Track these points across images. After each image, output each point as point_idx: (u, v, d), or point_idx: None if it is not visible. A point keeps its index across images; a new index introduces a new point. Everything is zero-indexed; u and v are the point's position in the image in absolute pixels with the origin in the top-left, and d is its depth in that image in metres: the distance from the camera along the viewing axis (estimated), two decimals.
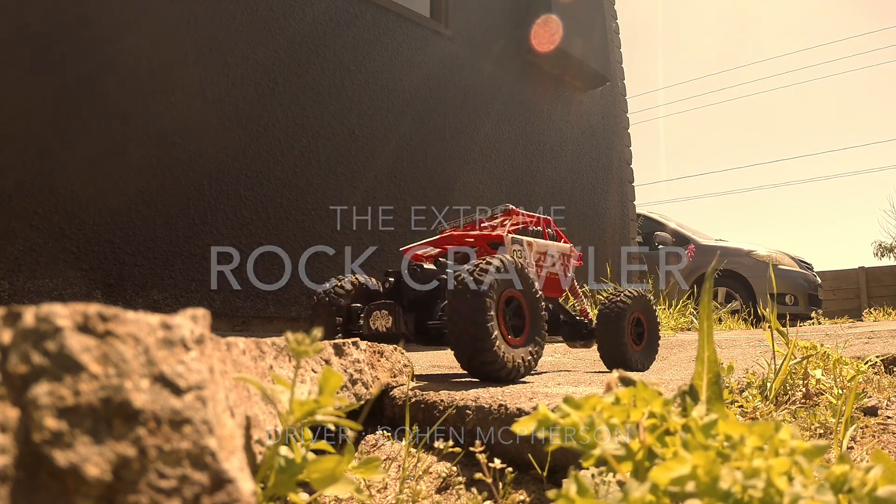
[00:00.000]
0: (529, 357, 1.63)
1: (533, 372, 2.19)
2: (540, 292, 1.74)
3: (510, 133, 6.05)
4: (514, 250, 1.96)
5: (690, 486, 0.41)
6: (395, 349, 1.56)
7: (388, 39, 5.06)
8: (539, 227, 2.26)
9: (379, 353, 1.47)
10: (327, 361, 1.26)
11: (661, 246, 8.61)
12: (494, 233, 1.99)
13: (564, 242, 2.28)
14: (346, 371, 1.29)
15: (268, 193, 4.17)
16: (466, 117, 5.63)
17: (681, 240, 8.48)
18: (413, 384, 1.55)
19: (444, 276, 1.79)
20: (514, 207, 2.16)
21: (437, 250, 2.06)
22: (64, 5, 3.39)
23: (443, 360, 2.70)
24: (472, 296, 1.49)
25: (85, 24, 3.45)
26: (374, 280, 2.03)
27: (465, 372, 2.12)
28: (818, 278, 8.73)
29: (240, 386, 0.77)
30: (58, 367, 0.48)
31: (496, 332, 1.51)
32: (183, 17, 3.85)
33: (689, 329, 5.10)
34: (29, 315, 0.49)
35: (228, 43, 4.04)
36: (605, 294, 2.24)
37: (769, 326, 1.55)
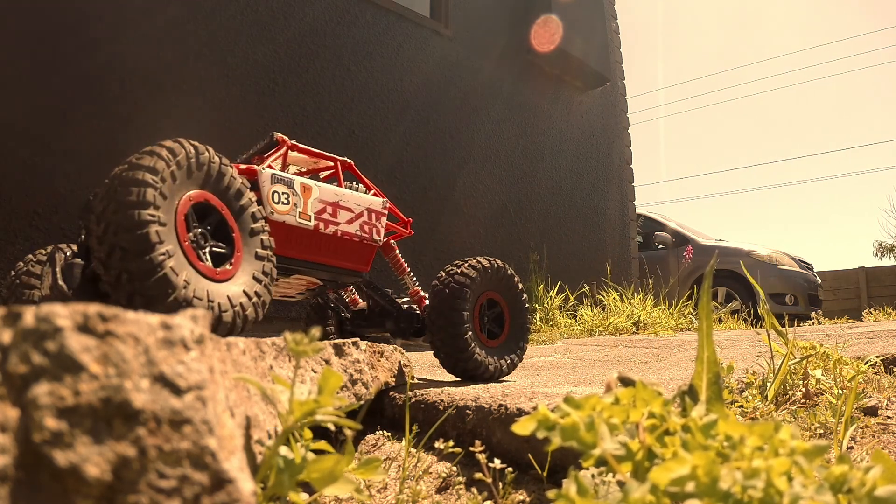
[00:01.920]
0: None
1: (535, 371, 2.19)
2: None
3: (510, 133, 6.05)
4: (275, 192, 1.41)
5: (690, 487, 0.41)
6: (395, 349, 1.56)
7: (388, 39, 5.06)
8: (335, 175, 1.71)
9: (379, 353, 1.47)
10: (327, 361, 1.26)
11: (661, 246, 8.61)
12: (250, 167, 1.44)
13: (375, 195, 1.72)
14: (346, 371, 1.29)
15: None
16: (466, 117, 5.63)
17: (681, 240, 8.48)
18: (413, 384, 1.55)
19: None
20: (285, 138, 1.64)
21: None
22: (64, 5, 3.39)
23: None
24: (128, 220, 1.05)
25: (85, 24, 3.45)
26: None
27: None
28: (818, 278, 8.73)
29: (240, 386, 0.77)
30: (58, 367, 0.48)
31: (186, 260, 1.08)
32: (183, 17, 3.85)
33: (688, 329, 5.10)
34: (29, 315, 0.49)
35: (228, 43, 4.04)
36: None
37: (769, 326, 1.55)
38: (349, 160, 1.78)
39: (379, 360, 1.46)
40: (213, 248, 1.21)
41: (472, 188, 5.60)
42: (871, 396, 1.48)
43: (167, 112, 3.73)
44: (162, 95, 3.72)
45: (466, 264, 1.62)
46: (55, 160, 3.31)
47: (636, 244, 7.57)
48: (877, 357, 1.90)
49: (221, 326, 1.15)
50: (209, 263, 1.18)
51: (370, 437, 1.41)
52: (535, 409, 0.52)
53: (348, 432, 1.18)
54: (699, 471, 0.41)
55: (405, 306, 1.82)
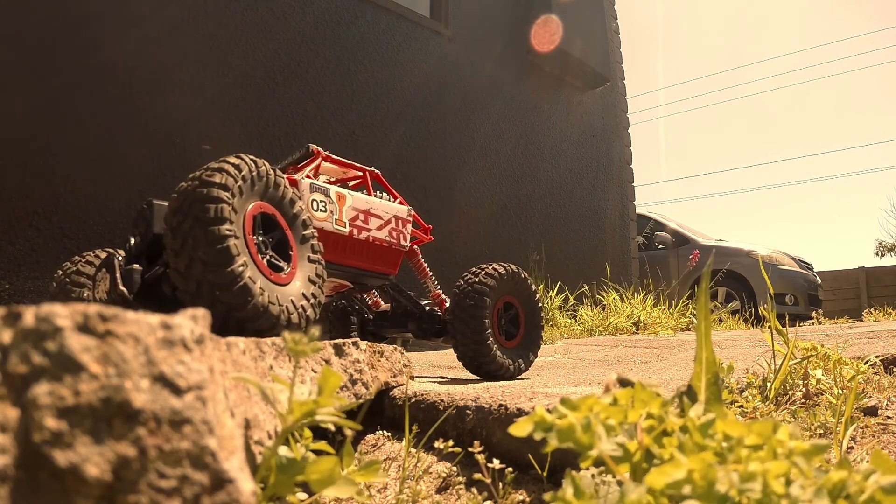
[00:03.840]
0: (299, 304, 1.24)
1: (535, 371, 2.19)
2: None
3: (510, 133, 6.05)
4: (313, 200, 1.49)
5: (686, 490, 0.41)
6: (395, 349, 1.56)
7: (388, 39, 5.06)
8: (363, 183, 1.81)
9: (379, 353, 1.47)
10: (327, 361, 1.26)
11: (661, 246, 8.61)
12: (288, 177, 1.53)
13: (401, 204, 1.82)
14: (346, 371, 1.29)
15: None
16: (466, 117, 5.63)
17: (681, 240, 8.48)
18: (413, 384, 1.55)
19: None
20: (320, 149, 1.73)
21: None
22: (64, 5, 3.39)
23: (443, 361, 2.70)
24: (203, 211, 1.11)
25: (85, 24, 3.45)
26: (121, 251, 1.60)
27: (465, 372, 2.13)
28: (818, 278, 8.73)
29: (240, 386, 0.77)
30: (58, 367, 0.48)
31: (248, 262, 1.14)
32: (183, 17, 3.85)
33: (689, 329, 5.10)
34: (29, 315, 0.49)
35: (228, 43, 4.04)
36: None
37: (769, 326, 1.55)
38: (377, 170, 1.84)
39: (379, 360, 1.46)
40: (273, 256, 1.27)
41: (472, 188, 5.59)
42: (871, 396, 1.48)
43: (167, 112, 3.73)
44: (162, 95, 3.72)
45: (484, 272, 1.69)
46: (55, 160, 3.31)
47: (636, 244, 7.57)
48: (877, 357, 1.90)
49: (290, 326, 1.21)
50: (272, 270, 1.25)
51: (370, 437, 1.41)
52: (534, 408, 0.52)
53: (348, 432, 1.18)
54: (695, 474, 0.41)
55: (427, 308, 1.89)
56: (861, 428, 1.33)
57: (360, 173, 1.82)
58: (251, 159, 1.26)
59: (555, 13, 6.11)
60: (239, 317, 1.11)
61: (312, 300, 1.28)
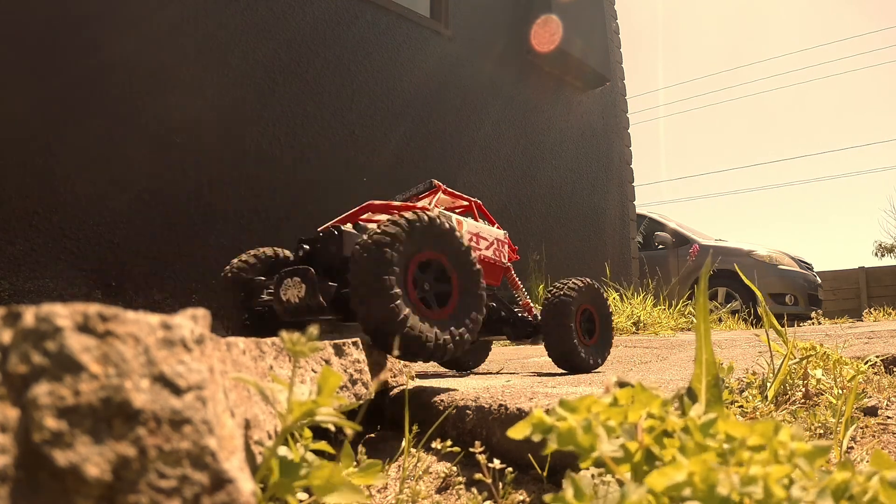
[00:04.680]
0: (449, 336, 1.41)
1: (535, 371, 2.18)
2: (476, 259, 1.50)
3: (510, 133, 6.05)
4: None
5: (687, 493, 0.41)
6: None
7: (388, 39, 5.06)
8: (469, 210, 2.08)
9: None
10: (327, 361, 1.26)
11: (661, 246, 8.61)
12: (418, 205, 1.83)
13: (498, 228, 2.10)
14: (345, 371, 1.29)
15: (268, 193, 4.17)
16: (466, 117, 5.63)
17: (681, 240, 8.48)
18: (413, 384, 1.55)
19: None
20: (440, 184, 1.99)
21: (355, 218, 1.87)
22: (64, 5, 3.39)
23: None
24: (372, 256, 1.32)
25: (85, 24, 3.45)
26: (287, 252, 1.82)
27: (464, 373, 2.13)
28: (818, 278, 8.73)
29: (240, 386, 0.77)
30: (58, 367, 0.48)
31: (400, 301, 1.33)
32: (183, 17, 3.85)
33: (689, 329, 5.10)
34: (29, 315, 0.49)
35: (228, 43, 4.04)
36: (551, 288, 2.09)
37: (768, 326, 1.55)
38: (479, 200, 2.13)
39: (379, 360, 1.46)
40: (437, 293, 1.49)
41: (472, 188, 5.59)
42: (871, 396, 1.48)
43: (167, 112, 3.73)
44: (162, 95, 3.72)
45: (567, 286, 2.00)
46: (55, 160, 3.31)
47: (636, 244, 7.57)
48: (877, 357, 1.90)
49: (447, 353, 1.42)
50: (434, 306, 1.47)
51: (370, 437, 1.41)
52: (533, 409, 0.52)
53: (348, 432, 1.18)
54: (696, 477, 0.41)
55: (520, 314, 2.15)
56: (861, 428, 1.33)
57: (466, 202, 2.11)
58: (426, 215, 1.45)
59: (555, 13, 6.11)
60: (392, 342, 1.33)
61: (472, 325, 1.48)
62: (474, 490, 1.10)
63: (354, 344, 1.36)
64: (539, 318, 2.04)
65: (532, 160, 6.24)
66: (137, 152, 3.60)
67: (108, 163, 3.49)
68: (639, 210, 8.31)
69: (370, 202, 1.87)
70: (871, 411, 1.41)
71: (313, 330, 0.65)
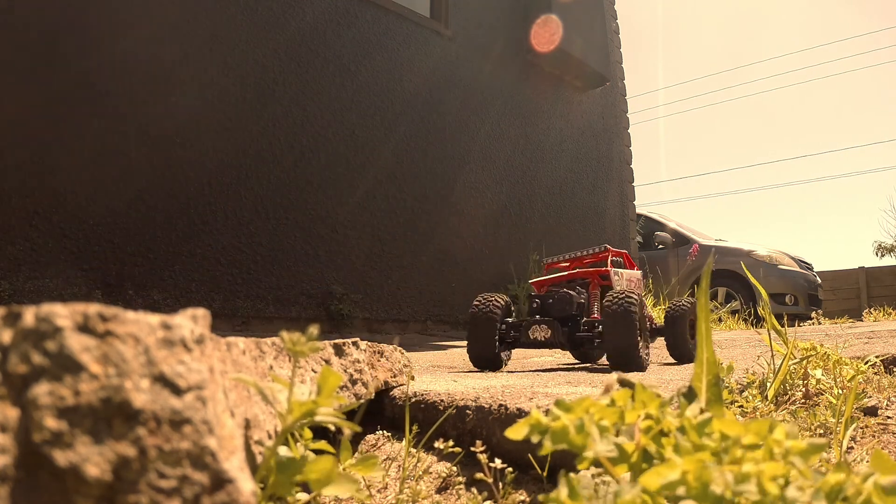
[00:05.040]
0: (647, 353, 2.20)
1: (535, 370, 2.20)
2: (648, 312, 2.34)
3: (510, 133, 6.05)
4: (615, 279, 2.53)
5: (681, 491, 0.41)
6: (395, 349, 1.56)
7: (388, 39, 5.06)
8: (621, 259, 2.80)
9: (379, 353, 1.47)
10: (327, 361, 1.26)
11: (661, 246, 8.61)
12: (603, 269, 2.57)
13: (637, 270, 2.82)
14: (345, 371, 1.29)
15: (268, 193, 4.17)
16: (466, 117, 5.63)
17: (681, 240, 8.48)
18: (413, 384, 1.55)
19: (582, 300, 2.38)
20: (609, 247, 2.67)
21: (563, 279, 2.59)
22: (64, 5, 3.39)
23: (442, 361, 2.70)
24: (628, 315, 2.07)
25: (85, 24, 3.45)
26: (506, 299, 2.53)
27: (463, 371, 2.13)
28: (818, 278, 8.73)
29: (240, 386, 0.77)
30: (58, 367, 0.48)
31: (639, 338, 2.08)
32: (183, 17, 3.85)
33: None
34: (29, 315, 0.49)
35: (228, 43, 4.04)
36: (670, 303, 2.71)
37: (769, 326, 1.55)
38: (625, 251, 2.81)
39: (379, 360, 1.46)
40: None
41: (472, 188, 5.60)
42: (871, 396, 1.48)
43: (167, 112, 3.73)
44: (162, 95, 3.72)
45: (681, 303, 2.53)
46: (55, 160, 3.31)
47: (636, 244, 7.57)
48: (877, 357, 1.90)
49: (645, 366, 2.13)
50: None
51: (370, 437, 1.41)
52: (536, 408, 0.52)
53: (347, 432, 1.18)
54: (689, 475, 0.41)
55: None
56: (861, 428, 1.33)
57: (617, 252, 2.74)
58: (640, 295, 2.22)
59: (555, 13, 6.11)
60: (631, 359, 2.07)
61: (648, 351, 2.21)
62: (474, 490, 1.10)
63: (354, 344, 1.36)
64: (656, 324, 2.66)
65: (532, 160, 6.24)
66: (137, 152, 3.60)
67: (108, 163, 3.50)
68: (639, 210, 8.31)
69: (576, 264, 2.67)
70: (871, 411, 1.41)
71: (313, 330, 0.65)
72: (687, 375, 1.84)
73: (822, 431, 1.26)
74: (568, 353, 2.94)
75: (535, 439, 0.49)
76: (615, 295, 2.13)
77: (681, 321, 2.47)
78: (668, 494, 0.42)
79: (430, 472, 1.19)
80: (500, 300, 2.43)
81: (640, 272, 2.74)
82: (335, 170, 4.55)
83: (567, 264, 2.71)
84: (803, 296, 8.02)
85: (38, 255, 3.22)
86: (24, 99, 3.23)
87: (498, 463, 1.04)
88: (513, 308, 2.47)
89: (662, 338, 2.58)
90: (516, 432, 0.51)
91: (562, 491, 0.46)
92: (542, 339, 2.30)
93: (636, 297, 2.12)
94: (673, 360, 2.55)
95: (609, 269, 2.54)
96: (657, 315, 4.66)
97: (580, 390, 1.44)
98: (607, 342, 2.13)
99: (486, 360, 2.30)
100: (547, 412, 0.51)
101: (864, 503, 0.40)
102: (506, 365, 2.44)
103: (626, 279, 2.62)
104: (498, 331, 2.31)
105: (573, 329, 2.34)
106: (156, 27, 3.73)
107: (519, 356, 3.13)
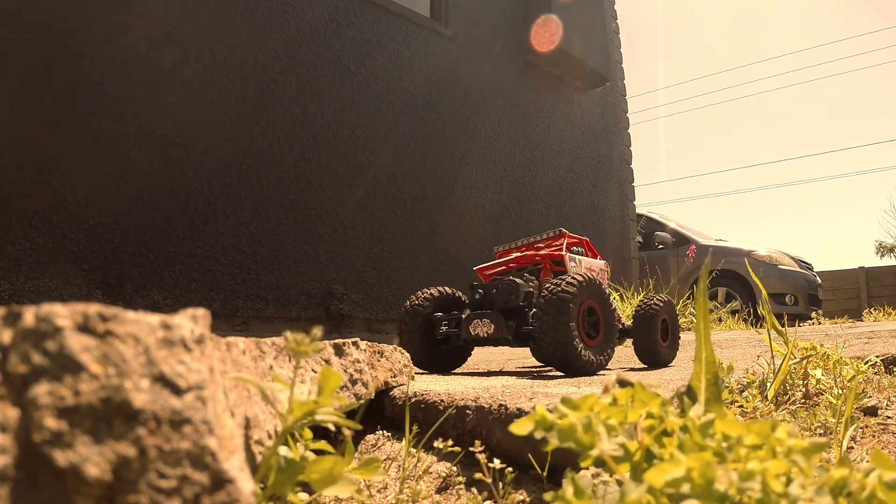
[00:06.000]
0: (602, 355, 1.95)
1: (534, 372, 2.20)
2: (613, 302, 2.05)
3: (510, 133, 6.05)
4: (571, 266, 2.28)
5: (685, 489, 0.41)
6: (395, 349, 1.56)
7: (388, 39, 5.06)
8: (581, 247, 2.55)
9: (379, 353, 1.47)
10: (327, 361, 1.26)
11: (661, 246, 8.61)
12: (556, 252, 2.32)
13: (599, 259, 2.57)
14: (346, 371, 1.29)
15: (268, 193, 4.17)
16: (466, 117, 5.63)
17: (681, 240, 8.48)
18: (413, 384, 1.55)
19: (531, 288, 2.12)
20: (565, 231, 2.45)
21: (512, 265, 2.38)
22: (64, 6, 3.39)
23: None
24: (561, 304, 1.82)
25: (85, 24, 3.45)
26: (457, 292, 2.34)
27: (463, 372, 2.13)
28: (818, 278, 8.73)
29: (240, 386, 0.77)
30: (58, 367, 0.48)
31: (576, 334, 1.85)
32: (183, 17, 3.85)
33: (689, 329, 5.09)
34: (29, 315, 0.49)
35: (228, 43, 4.04)
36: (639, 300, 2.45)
37: (770, 326, 1.55)
38: (587, 238, 2.54)
39: (379, 360, 1.46)
40: (591, 329, 1.98)
41: (472, 188, 5.60)
42: (871, 396, 1.48)
43: (167, 112, 3.73)
44: (162, 95, 3.72)
45: (653, 300, 2.36)
46: (55, 160, 3.31)
47: (636, 244, 7.57)
48: (877, 357, 1.90)
49: (594, 368, 1.90)
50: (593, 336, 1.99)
51: (370, 437, 1.41)
52: (534, 408, 0.52)
53: (347, 432, 1.18)
54: (694, 473, 0.41)
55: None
56: (861, 428, 1.33)
57: (578, 240, 2.54)
58: (588, 278, 1.93)
59: (555, 13, 6.11)
60: (570, 362, 1.83)
61: (609, 351, 1.98)
62: (474, 490, 1.10)
63: (354, 344, 1.36)
64: (625, 324, 2.48)
65: (532, 160, 6.24)
66: (137, 152, 3.60)
67: (108, 163, 3.49)
68: (639, 210, 8.31)
69: (524, 251, 2.42)
70: (871, 411, 1.41)
71: (317, 331, 0.65)
72: (679, 377, 1.84)
73: (822, 431, 1.26)
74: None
75: (538, 435, 0.49)
76: (555, 281, 1.87)
77: (651, 321, 2.27)
78: (671, 493, 0.42)
79: (430, 472, 1.19)
80: (434, 292, 2.22)
81: (603, 262, 2.49)
82: (335, 170, 4.55)
83: (519, 252, 2.43)
84: (803, 296, 8.02)
85: (38, 255, 3.22)
86: (25, 99, 3.23)
87: (498, 463, 1.04)
88: (465, 299, 2.25)
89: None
90: (521, 427, 0.51)
91: (567, 490, 0.46)
92: (485, 335, 2.03)
93: (578, 281, 1.86)
94: (643, 365, 2.36)
95: (564, 253, 2.26)
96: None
97: (581, 390, 1.44)
98: (540, 337, 1.84)
99: (419, 361, 2.13)
100: (551, 409, 0.51)
101: (869, 498, 0.40)
102: (462, 363, 2.28)
103: (585, 267, 2.34)
104: (431, 327, 2.11)
105: (520, 322, 2.03)
106: (156, 27, 3.73)
107: (519, 354, 3.13)
